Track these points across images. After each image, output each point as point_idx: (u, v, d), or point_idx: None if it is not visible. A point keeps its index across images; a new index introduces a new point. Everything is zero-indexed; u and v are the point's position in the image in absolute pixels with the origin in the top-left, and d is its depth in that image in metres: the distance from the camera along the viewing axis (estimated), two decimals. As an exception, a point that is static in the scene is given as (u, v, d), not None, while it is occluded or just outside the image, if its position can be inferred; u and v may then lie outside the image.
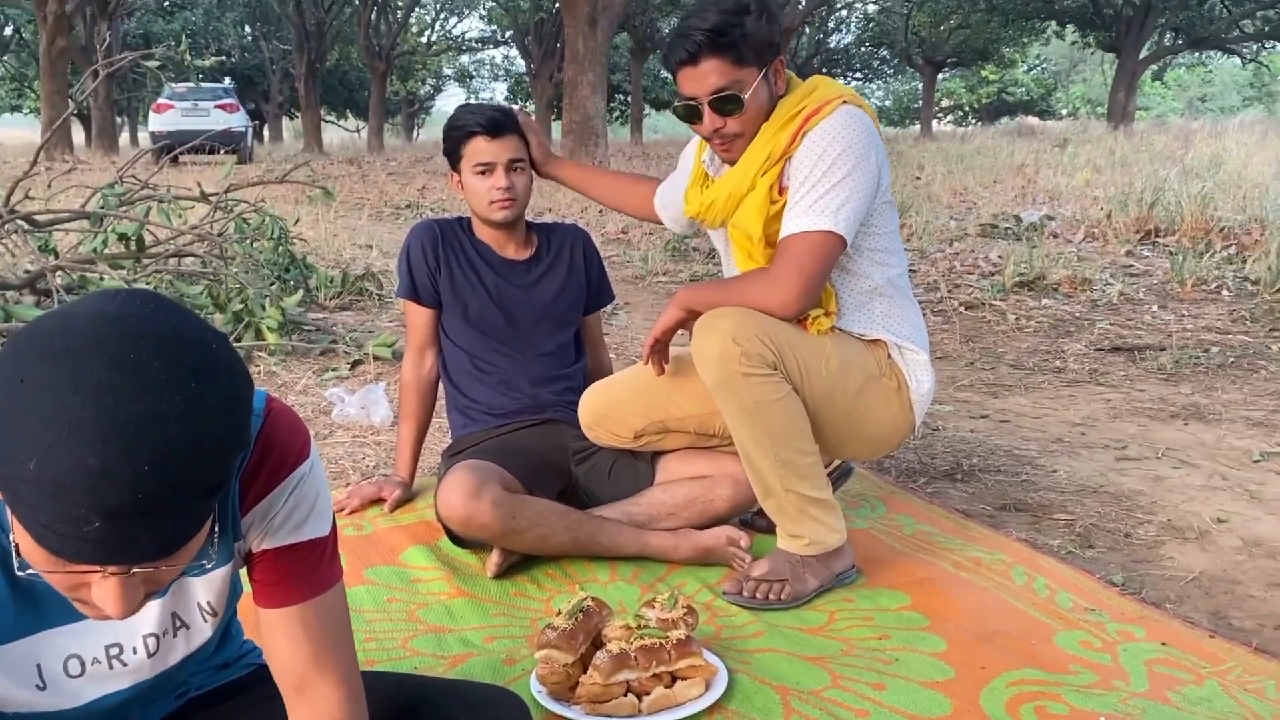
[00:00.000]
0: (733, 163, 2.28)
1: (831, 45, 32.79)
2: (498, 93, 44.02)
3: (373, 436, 3.48)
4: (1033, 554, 2.52)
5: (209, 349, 0.87)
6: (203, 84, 23.53)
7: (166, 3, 36.72)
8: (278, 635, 1.19)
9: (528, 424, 2.65)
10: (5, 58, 36.70)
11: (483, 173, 2.59)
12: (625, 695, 1.82)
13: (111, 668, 1.12)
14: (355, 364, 4.39)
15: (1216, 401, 3.94)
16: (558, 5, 19.59)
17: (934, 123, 41.51)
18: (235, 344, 4.31)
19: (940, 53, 36.52)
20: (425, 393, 2.79)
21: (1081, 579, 2.39)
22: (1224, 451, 3.36)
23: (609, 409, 2.49)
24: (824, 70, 35.51)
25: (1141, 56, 29.98)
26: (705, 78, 2.16)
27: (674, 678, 1.85)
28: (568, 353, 2.77)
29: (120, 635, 1.12)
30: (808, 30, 29.06)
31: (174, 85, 22.20)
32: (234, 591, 1.24)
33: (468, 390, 2.72)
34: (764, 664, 2.00)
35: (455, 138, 2.61)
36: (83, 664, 1.11)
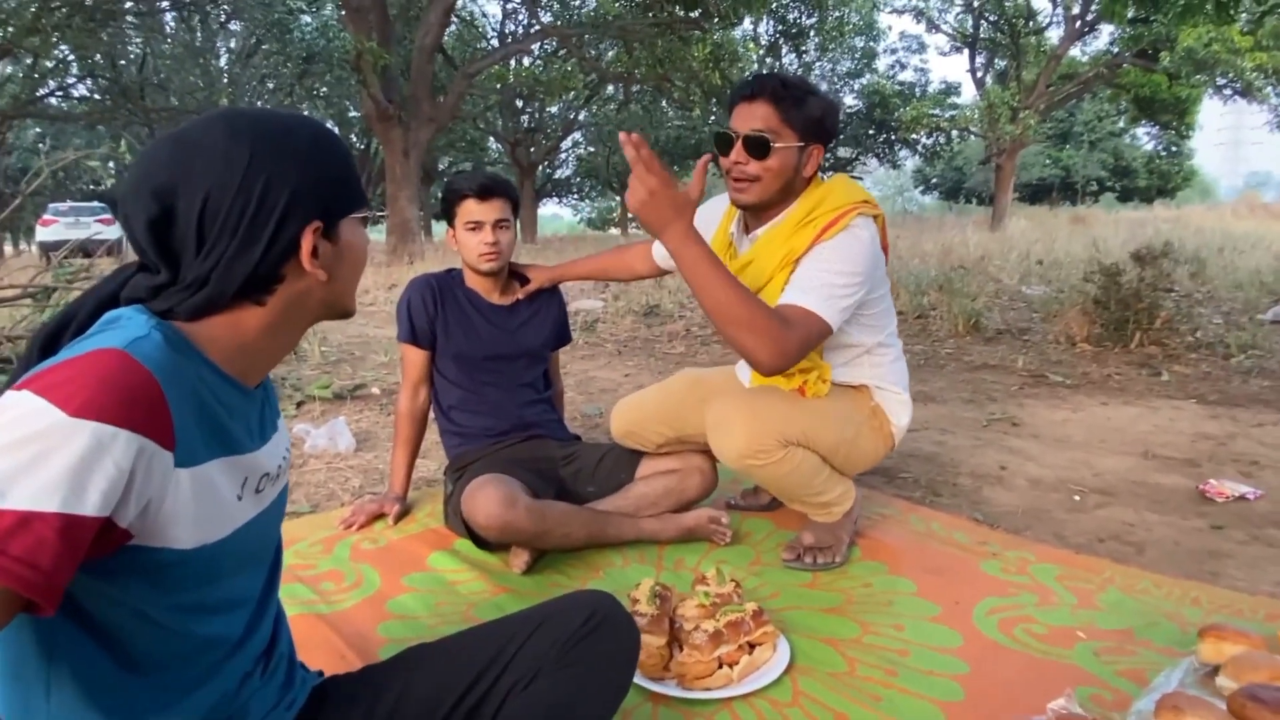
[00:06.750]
0: (739, 205, 1.80)
1: (556, 177, 32.83)
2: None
3: (343, 462, 2.79)
4: (913, 505, 2.28)
5: None
6: (79, 204, 20.19)
7: (41, 145, 31.64)
8: None
9: (518, 440, 2.14)
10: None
11: (473, 229, 2.07)
12: (720, 668, 1.39)
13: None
14: (300, 404, 3.59)
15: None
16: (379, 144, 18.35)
17: (626, 226, 42.49)
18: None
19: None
20: (418, 421, 2.19)
21: (955, 520, 2.16)
22: (957, 422, 3.29)
23: (637, 426, 2.06)
24: (552, 193, 35.30)
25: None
26: (752, 115, 1.69)
27: (751, 645, 1.44)
28: (541, 381, 2.26)
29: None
30: (541, 168, 28.89)
31: (57, 205, 18.97)
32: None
33: (459, 418, 2.16)
34: (797, 621, 1.61)
35: (450, 199, 2.08)
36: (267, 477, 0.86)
